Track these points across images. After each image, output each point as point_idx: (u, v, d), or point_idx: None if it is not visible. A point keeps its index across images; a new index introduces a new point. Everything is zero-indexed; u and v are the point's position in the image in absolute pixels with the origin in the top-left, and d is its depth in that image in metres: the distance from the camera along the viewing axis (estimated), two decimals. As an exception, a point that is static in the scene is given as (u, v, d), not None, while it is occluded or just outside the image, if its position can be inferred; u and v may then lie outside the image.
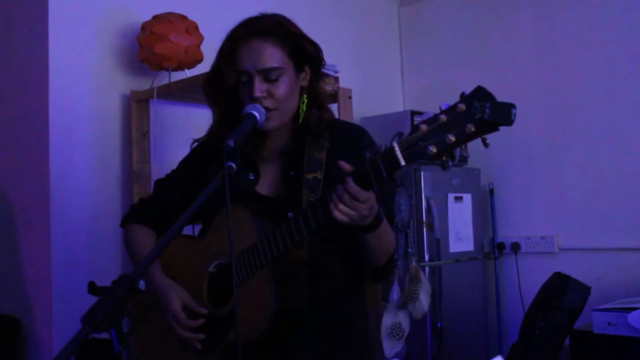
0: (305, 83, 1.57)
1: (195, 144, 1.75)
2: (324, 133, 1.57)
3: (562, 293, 2.57)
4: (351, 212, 1.28)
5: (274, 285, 1.45)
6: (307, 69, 1.57)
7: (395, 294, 1.29)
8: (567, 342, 2.63)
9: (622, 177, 3.55)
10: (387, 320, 1.29)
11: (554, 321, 2.55)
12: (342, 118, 2.94)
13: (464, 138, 1.13)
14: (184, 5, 2.96)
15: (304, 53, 1.54)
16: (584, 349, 2.55)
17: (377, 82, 4.21)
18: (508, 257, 3.93)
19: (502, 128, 1.09)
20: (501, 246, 3.94)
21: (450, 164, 1.16)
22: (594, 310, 2.54)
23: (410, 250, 1.30)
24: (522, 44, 3.94)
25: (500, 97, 1.11)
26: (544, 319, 2.57)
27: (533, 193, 3.87)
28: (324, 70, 2.88)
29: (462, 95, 1.14)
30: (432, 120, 1.16)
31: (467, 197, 3.76)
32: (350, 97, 3.02)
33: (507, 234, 3.95)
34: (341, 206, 1.28)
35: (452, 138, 1.12)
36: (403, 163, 1.18)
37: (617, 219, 3.55)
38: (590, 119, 3.66)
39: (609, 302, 2.67)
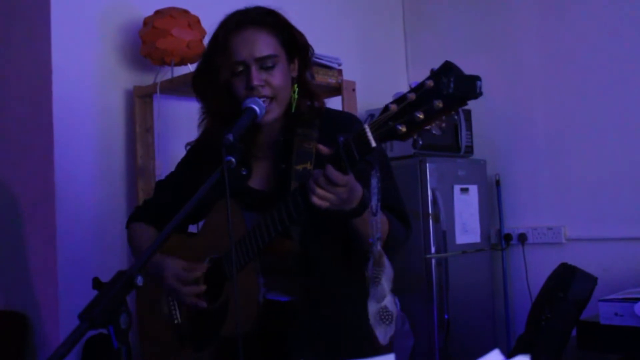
0: (295, 73, 1.57)
1: (189, 147, 1.76)
2: (314, 123, 1.56)
3: (568, 284, 2.56)
4: (330, 196, 1.27)
5: (262, 279, 1.44)
6: (296, 59, 1.57)
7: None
8: (573, 333, 2.62)
9: (629, 166, 3.52)
10: (372, 308, 1.28)
11: (560, 312, 2.54)
12: (346, 110, 2.93)
13: (433, 115, 1.10)
14: (185, 0, 2.95)
15: (294, 42, 1.55)
16: (591, 340, 2.54)
17: (381, 73, 4.19)
18: (515, 248, 3.91)
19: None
20: (508, 237, 3.92)
21: (420, 143, 1.16)
22: (600, 300, 2.53)
23: (377, 234, 1.28)
24: (528, 35, 3.91)
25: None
26: (550, 310, 2.56)
27: (540, 183, 3.84)
28: (327, 63, 2.90)
29: (431, 71, 1.12)
30: (401, 99, 1.14)
31: (473, 189, 3.73)
32: (354, 90, 3.00)
33: (513, 224, 3.92)
34: (319, 191, 1.26)
35: (421, 116, 1.10)
36: (374, 144, 1.17)
37: (624, 209, 3.52)
38: (597, 109, 3.63)
39: (616, 292, 2.66)
